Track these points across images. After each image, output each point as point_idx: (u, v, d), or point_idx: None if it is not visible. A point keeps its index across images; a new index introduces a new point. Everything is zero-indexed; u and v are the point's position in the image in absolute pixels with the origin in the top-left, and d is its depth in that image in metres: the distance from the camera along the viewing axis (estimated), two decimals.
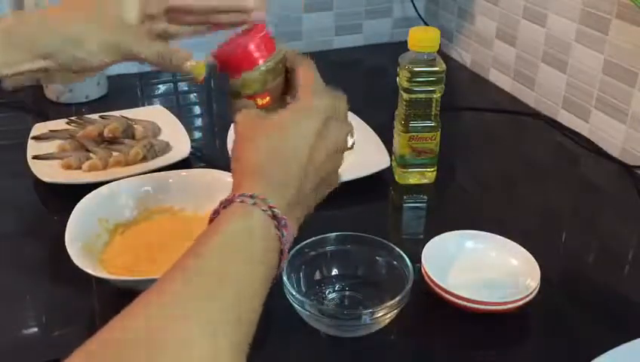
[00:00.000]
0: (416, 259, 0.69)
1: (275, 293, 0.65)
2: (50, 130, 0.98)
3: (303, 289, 0.68)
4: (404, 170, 0.89)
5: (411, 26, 0.88)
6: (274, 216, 0.46)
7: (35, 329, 0.67)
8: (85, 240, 0.70)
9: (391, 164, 0.90)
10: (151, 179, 0.82)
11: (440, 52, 0.85)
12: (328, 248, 0.71)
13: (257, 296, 0.44)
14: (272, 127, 0.52)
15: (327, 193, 0.56)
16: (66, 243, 0.67)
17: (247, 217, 0.46)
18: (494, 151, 1.02)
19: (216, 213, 0.47)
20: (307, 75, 0.57)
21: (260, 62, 0.57)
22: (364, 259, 0.71)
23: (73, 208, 0.73)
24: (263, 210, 0.46)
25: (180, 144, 0.95)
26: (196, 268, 0.42)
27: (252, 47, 0.58)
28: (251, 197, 0.46)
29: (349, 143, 0.55)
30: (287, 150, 0.50)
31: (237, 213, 0.46)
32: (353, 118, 1.01)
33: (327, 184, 0.55)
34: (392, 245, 0.69)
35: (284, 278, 0.64)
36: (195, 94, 1.23)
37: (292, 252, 0.67)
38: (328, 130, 0.52)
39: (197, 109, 1.18)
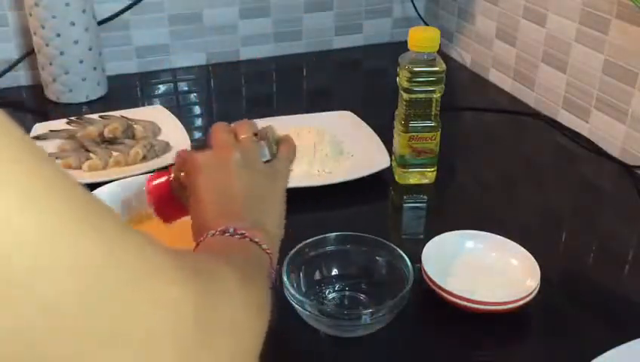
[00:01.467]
0: (416, 259, 0.69)
1: (275, 293, 0.65)
2: (50, 130, 0.98)
3: (303, 289, 0.68)
4: (404, 170, 0.89)
5: (411, 26, 0.88)
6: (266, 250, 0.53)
7: None
8: None
9: (391, 164, 0.90)
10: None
11: (440, 52, 0.85)
12: (328, 248, 0.71)
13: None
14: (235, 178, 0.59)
15: (282, 194, 0.60)
16: None
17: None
18: (494, 151, 1.02)
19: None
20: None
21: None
22: (364, 259, 0.70)
23: None
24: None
25: (180, 144, 0.95)
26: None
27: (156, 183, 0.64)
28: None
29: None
30: (247, 190, 0.58)
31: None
32: (353, 118, 1.01)
33: (270, 192, 0.60)
34: (392, 245, 0.69)
35: (284, 278, 0.64)
36: (195, 94, 1.23)
37: (292, 252, 0.67)
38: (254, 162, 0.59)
39: (197, 109, 1.18)
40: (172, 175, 0.63)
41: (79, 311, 0.28)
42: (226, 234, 0.52)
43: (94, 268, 0.29)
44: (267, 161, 0.61)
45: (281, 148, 0.63)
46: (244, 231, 0.53)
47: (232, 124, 0.63)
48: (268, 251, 0.53)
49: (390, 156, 0.91)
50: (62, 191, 0.30)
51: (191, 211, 0.58)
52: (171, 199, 0.63)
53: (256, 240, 0.53)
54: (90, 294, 0.28)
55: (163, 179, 0.63)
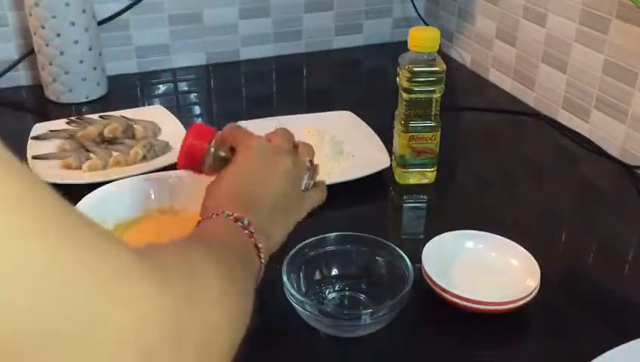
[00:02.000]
0: (416, 259, 0.69)
1: (275, 293, 0.65)
2: (50, 130, 0.98)
3: (303, 289, 0.68)
4: (404, 170, 0.89)
5: (411, 26, 0.88)
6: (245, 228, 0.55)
7: None
8: None
9: (391, 164, 0.90)
10: (151, 179, 0.82)
11: (440, 52, 0.85)
12: (328, 248, 0.71)
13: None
14: (271, 173, 0.62)
15: (299, 219, 0.65)
16: None
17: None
18: (494, 151, 1.02)
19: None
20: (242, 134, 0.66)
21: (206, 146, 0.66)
22: (364, 259, 0.70)
23: None
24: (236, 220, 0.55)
25: (180, 144, 0.95)
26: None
27: (192, 144, 0.66)
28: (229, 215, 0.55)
29: (303, 185, 0.66)
30: (274, 188, 0.61)
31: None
32: (353, 118, 1.01)
33: (293, 212, 0.63)
34: (392, 245, 0.69)
35: (284, 278, 0.64)
36: (195, 94, 1.23)
37: (292, 252, 0.67)
38: (296, 174, 0.63)
39: (197, 109, 1.18)
40: (212, 145, 0.65)
41: (37, 314, 0.27)
42: (238, 223, 0.54)
43: (40, 271, 0.28)
44: (304, 189, 0.66)
45: (317, 185, 0.69)
46: (253, 231, 0.54)
47: (297, 140, 0.68)
48: (262, 260, 0.54)
49: (390, 156, 0.91)
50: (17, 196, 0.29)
51: (212, 186, 0.61)
52: (197, 162, 0.66)
53: (260, 245, 0.54)
54: (46, 297, 0.28)
55: (202, 144, 0.65)
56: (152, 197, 0.80)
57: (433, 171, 0.90)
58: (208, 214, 0.56)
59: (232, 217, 0.54)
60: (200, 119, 1.14)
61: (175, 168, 0.88)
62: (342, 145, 0.95)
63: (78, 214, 0.32)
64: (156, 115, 1.03)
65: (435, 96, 0.85)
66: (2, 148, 0.29)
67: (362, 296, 0.69)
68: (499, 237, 0.73)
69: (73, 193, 0.77)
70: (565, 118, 1.07)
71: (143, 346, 0.32)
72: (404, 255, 0.67)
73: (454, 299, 0.65)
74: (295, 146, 0.68)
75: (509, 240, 0.72)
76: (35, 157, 0.90)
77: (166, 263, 0.38)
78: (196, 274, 0.40)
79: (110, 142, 0.95)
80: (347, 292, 0.70)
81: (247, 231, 0.54)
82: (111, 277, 0.31)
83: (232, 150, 0.65)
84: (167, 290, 0.34)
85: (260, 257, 0.54)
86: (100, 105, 1.12)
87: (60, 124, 1.00)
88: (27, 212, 0.28)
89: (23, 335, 0.27)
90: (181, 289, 0.36)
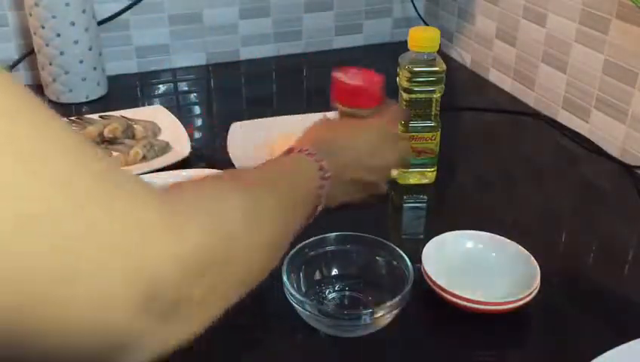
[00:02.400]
0: (416, 259, 0.69)
1: (275, 293, 0.65)
2: None
3: (303, 289, 0.68)
4: (404, 170, 0.89)
5: (411, 26, 0.88)
6: (321, 168, 0.59)
7: None
8: None
9: None
10: (151, 179, 0.82)
11: (440, 52, 0.85)
12: (328, 248, 0.71)
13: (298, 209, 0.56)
14: (353, 125, 0.70)
15: (366, 196, 0.69)
16: None
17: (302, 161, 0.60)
18: (494, 151, 1.02)
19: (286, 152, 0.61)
20: (393, 112, 0.74)
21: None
22: (364, 259, 0.71)
23: None
24: (316, 161, 0.60)
25: (180, 144, 0.95)
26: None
27: (375, 95, 0.72)
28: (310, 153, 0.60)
29: (393, 173, 0.73)
30: (350, 140, 0.66)
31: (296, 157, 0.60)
32: None
33: (368, 187, 0.67)
34: (392, 245, 0.69)
35: (284, 278, 0.64)
36: (195, 94, 1.23)
37: (292, 252, 0.67)
38: (384, 149, 0.68)
39: (197, 109, 1.18)
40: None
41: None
42: (313, 158, 0.59)
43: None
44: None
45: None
46: (324, 171, 0.59)
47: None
48: (326, 175, 0.59)
49: None
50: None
51: (309, 128, 0.66)
52: (353, 103, 0.72)
53: (326, 166, 0.59)
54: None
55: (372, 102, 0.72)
56: None
57: (433, 171, 0.90)
58: (290, 150, 0.61)
59: (306, 153, 0.59)
60: (200, 119, 1.14)
61: (174, 168, 0.88)
62: None
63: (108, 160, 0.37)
64: (156, 115, 1.03)
65: (435, 96, 0.85)
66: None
67: (362, 296, 0.69)
68: (499, 237, 0.73)
69: None
70: (565, 118, 1.07)
71: (182, 268, 0.35)
72: (404, 255, 0.67)
73: (454, 299, 0.65)
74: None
75: (509, 240, 0.72)
76: None
77: (186, 197, 0.41)
78: (219, 203, 0.43)
79: (110, 142, 0.95)
80: (347, 292, 0.70)
81: (320, 171, 0.58)
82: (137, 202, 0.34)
83: None
84: (183, 221, 0.37)
85: (324, 178, 0.58)
86: (100, 105, 1.12)
87: None
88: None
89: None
90: (201, 220, 0.39)
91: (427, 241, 0.72)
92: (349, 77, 0.71)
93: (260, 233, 0.46)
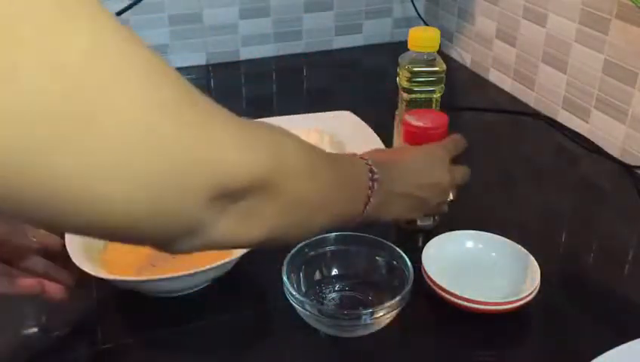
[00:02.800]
0: (416, 259, 0.69)
1: (275, 293, 0.65)
2: None
3: (303, 289, 0.68)
4: None
5: (411, 26, 0.88)
6: (370, 170, 0.61)
7: (35, 330, 0.67)
8: (85, 239, 0.70)
9: None
10: None
11: (440, 52, 0.85)
12: (328, 248, 0.71)
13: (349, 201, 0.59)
14: (402, 148, 0.76)
15: (414, 216, 0.73)
16: (66, 243, 0.67)
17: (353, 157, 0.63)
18: (494, 151, 1.02)
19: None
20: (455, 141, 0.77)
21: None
22: (364, 259, 0.71)
23: None
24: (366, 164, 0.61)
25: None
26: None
27: (443, 135, 0.77)
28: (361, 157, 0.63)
29: (450, 197, 0.74)
30: (398, 156, 0.68)
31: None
32: (353, 118, 1.01)
33: (418, 206, 0.68)
34: (392, 245, 0.69)
35: (284, 278, 0.64)
36: None
37: (292, 252, 0.67)
38: (432, 168, 0.69)
39: None
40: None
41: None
42: (370, 167, 0.60)
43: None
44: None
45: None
46: (375, 179, 0.60)
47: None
48: (375, 177, 0.60)
49: None
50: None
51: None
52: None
53: (375, 170, 0.60)
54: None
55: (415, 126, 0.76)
56: None
57: None
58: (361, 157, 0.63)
59: (366, 161, 0.61)
60: None
61: None
62: (342, 146, 0.94)
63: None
64: None
65: (435, 96, 0.85)
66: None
67: (362, 296, 0.69)
68: (499, 237, 0.73)
69: None
70: (565, 118, 1.07)
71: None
72: (404, 255, 0.67)
73: (454, 299, 0.65)
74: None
75: (509, 240, 0.72)
76: None
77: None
78: (283, 139, 0.47)
79: None
80: (347, 293, 0.70)
81: (369, 173, 0.60)
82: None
83: None
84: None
85: (367, 203, 0.59)
86: None
87: None
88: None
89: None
90: (268, 144, 0.44)
91: (427, 241, 0.72)
92: (416, 118, 0.77)
93: (315, 181, 0.50)
